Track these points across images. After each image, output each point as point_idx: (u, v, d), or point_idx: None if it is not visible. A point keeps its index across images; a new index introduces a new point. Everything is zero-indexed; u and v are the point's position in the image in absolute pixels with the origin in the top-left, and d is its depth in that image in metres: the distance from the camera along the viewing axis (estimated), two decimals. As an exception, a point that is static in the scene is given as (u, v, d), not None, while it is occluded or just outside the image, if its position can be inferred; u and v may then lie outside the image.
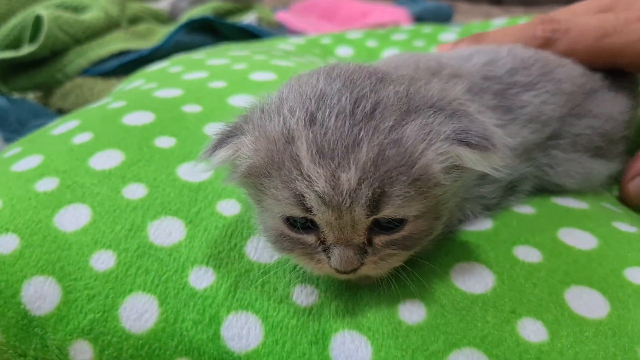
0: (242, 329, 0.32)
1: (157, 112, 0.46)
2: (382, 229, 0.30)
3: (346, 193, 0.28)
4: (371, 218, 0.29)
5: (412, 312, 0.32)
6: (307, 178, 0.28)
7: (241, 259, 0.35)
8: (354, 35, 0.83)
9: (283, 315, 0.32)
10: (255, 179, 0.31)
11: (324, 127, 0.29)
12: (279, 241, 0.32)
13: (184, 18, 1.03)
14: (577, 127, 0.44)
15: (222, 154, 0.31)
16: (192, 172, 0.40)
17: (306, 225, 0.30)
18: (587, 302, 0.32)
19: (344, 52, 0.78)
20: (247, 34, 0.96)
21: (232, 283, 0.34)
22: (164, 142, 0.42)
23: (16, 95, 0.85)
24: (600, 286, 0.33)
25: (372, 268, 0.31)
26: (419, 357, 0.30)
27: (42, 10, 0.84)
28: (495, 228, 0.38)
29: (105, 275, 0.34)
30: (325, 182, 0.28)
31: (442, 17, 1.24)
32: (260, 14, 1.10)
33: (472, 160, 0.30)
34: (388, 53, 0.77)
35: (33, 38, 0.85)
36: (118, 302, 0.33)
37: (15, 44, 0.87)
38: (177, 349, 0.32)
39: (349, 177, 0.28)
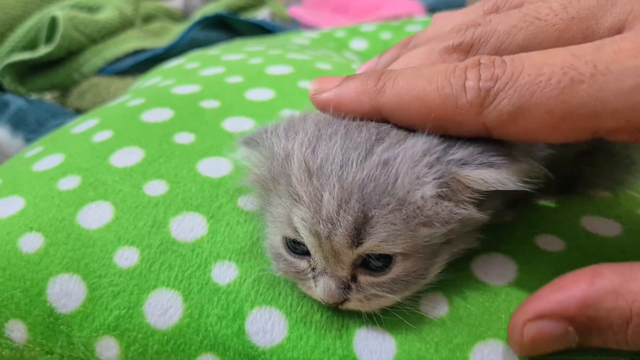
0: (266, 324, 0.32)
1: (175, 108, 0.46)
2: (368, 268, 0.30)
3: (327, 218, 0.27)
4: (356, 251, 0.28)
5: (434, 306, 0.32)
6: (294, 197, 0.28)
7: (264, 253, 0.35)
8: (368, 27, 0.82)
9: (307, 310, 0.32)
10: (262, 191, 0.32)
11: (319, 147, 0.29)
12: (277, 260, 0.32)
13: (198, 15, 1.03)
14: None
15: (244, 151, 0.33)
16: (212, 167, 0.40)
17: (301, 250, 0.31)
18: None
19: (359, 45, 0.78)
20: (261, 30, 0.96)
21: (256, 278, 0.34)
22: (184, 138, 0.42)
23: (34, 96, 0.86)
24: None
25: (359, 305, 0.31)
26: (443, 350, 0.30)
27: (58, 11, 0.85)
28: (515, 218, 0.37)
29: (130, 272, 0.34)
30: (309, 202, 0.28)
31: (454, 8, 1.23)
32: (274, 9, 1.10)
33: (499, 180, 0.28)
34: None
35: (49, 39, 0.86)
36: (143, 298, 0.33)
37: (31, 45, 0.88)
38: (202, 344, 0.32)
39: (329, 199, 0.27)
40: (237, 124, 0.44)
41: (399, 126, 0.30)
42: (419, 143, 0.29)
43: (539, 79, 0.26)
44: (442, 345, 0.30)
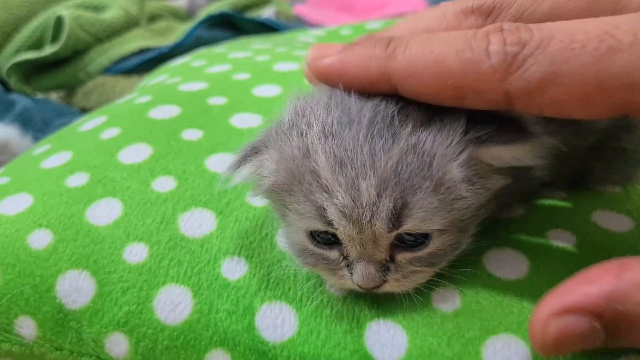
0: (276, 319, 0.32)
1: (183, 105, 0.46)
2: (405, 245, 0.30)
3: (366, 205, 0.27)
4: (394, 233, 0.28)
5: (446, 300, 0.32)
6: (327, 189, 0.28)
7: (273, 249, 0.35)
8: (373, 25, 0.82)
9: (317, 304, 0.32)
10: (278, 196, 0.31)
11: (341, 137, 0.28)
12: (303, 256, 0.32)
13: (202, 14, 1.03)
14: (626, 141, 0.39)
15: (246, 169, 0.31)
16: (220, 163, 0.40)
17: (329, 240, 0.30)
18: (626, 285, 0.32)
19: (365, 42, 0.77)
20: (266, 28, 0.96)
21: (265, 273, 0.34)
22: (191, 134, 0.42)
23: (40, 96, 0.86)
24: (639, 269, 0.33)
25: (395, 286, 0.30)
26: (455, 344, 0.30)
27: (63, 11, 0.85)
28: (526, 213, 0.37)
29: (139, 268, 0.34)
30: (345, 193, 0.27)
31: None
32: (278, 7, 1.10)
33: (517, 155, 0.28)
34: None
35: (55, 38, 0.86)
36: (152, 294, 0.33)
37: (37, 44, 0.88)
38: (212, 340, 0.32)
39: (368, 186, 0.27)
40: (245, 120, 0.44)
41: (413, 105, 0.29)
42: (444, 125, 0.29)
43: (573, 46, 0.24)
44: (454, 339, 0.30)
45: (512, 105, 0.26)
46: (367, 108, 0.29)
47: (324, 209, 0.28)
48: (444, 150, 0.28)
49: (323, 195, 0.28)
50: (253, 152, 0.32)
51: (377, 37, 0.29)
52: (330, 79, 0.30)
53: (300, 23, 1.09)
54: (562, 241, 0.35)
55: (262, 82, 0.49)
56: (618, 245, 0.34)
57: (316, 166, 0.28)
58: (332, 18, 1.11)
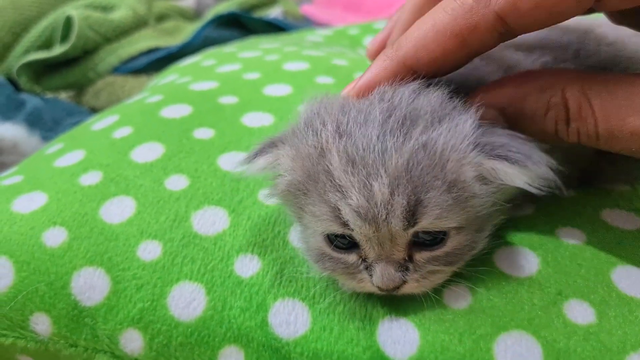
0: (289, 316, 0.32)
1: (194, 104, 0.46)
2: (423, 244, 0.30)
3: (380, 204, 0.27)
4: (410, 231, 0.29)
5: (457, 297, 0.32)
6: (340, 189, 0.28)
7: (285, 246, 0.35)
8: (381, 24, 0.82)
9: (330, 301, 0.33)
10: (294, 197, 0.31)
11: (354, 136, 0.29)
12: (321, 260, 0.32)
13: (210, 14, 1.04)
14: None
15: (262, 161, 0.32)
16: (232, 162, 0.40)
17: (347, 244, 0.30)
18: (635, 282, 0.32)
19: (372, 42, 0.78)
20: (274, 28, 0.96)
21: (278, 270, 0.34)
22: (203, 133, 0.43)
23: (49, 95, 0.86)
24: (649, 265, 0.33)
25: (414, 286, 0.31)
26: (467, 341, 0.30)
27: (72, 11, 0.86)
28: (536, 210, 0.37)
29: (153, 265, 0.34)
30: (359, 193, 0.28)
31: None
32: (286, 7, 1.10)
33: (510, 175, 0.29)
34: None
35: (64, 38, 0.87)
36: (166, 291, 0.34)
37: (47, 44, 0.89)
38: (225, 336, 0.33)
39: (380, 186, 0.27)
40: (256, 119, 0.44)
41: (426, 106, 0.30)
42: (456, 125, 0.29)
43: None
44: (465, 336, 0.30)
45: (510, 27, 0.29)
46: (381, 108, 0.29)
47: (339, 209, 0.28)
48: (456, 151, 0.28)
49: (337, 195, 0.28)
50: (271, 145, 0.32)
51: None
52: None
53: (307, 23, 1.09)
54: (571, 239, 0.35)
55: (272, 82, 0.50)
56: (627, 243, 0.35)
57: (330, 165, 0.28)
58: (339, 18, 1.11)
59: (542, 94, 0.31)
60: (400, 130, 0.28)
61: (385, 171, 0.27)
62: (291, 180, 0.30)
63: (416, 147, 0.28)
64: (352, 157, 0.28)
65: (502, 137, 0.29)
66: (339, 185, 0.28)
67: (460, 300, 0.32)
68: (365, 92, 0.32)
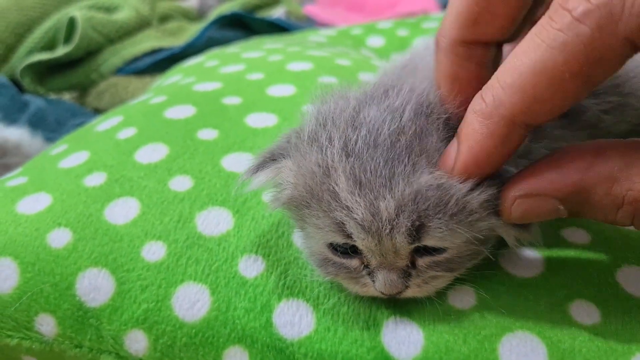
0: (293, 316, 0.32)
1: (198, 105, 0.46)
2: (425, 250, 0.30)
3: (386, 219, 0.27)
4: (414, 245, 0.29)
5: (462, 298, 0.32)
6: (346, 208, 0.28)
7: (289, 247, 0.35)
8: (384, 25, 0.82)
9: (334, 302, 0.33)
10: (297, 208, 0.31)
11: (361, 159, 0.28)
12: (324, 265, 0.32)
13: (213, 15, 1.04)
14: None
15: (263, 176, 0.32)
16: (236, 163, 0.40)
17: (350, 250, 0.30)
18: (641, 282, 0.32)
19: (375, 42, 0.77)
20: (277, 28, 0.96)
21: (282, 271, 0.34)
22: (207, 134, 0.43)
23: (53, 96, 0.86)
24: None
25: (417, 291, 0.31)
26: (472, 342, 0.30)
27: (76, 12, 0.86)
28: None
29: (157, 266, 0.35)
30: (365, 209, 0.27)
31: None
32: (289, 7, 1.10)
33: (506, 232, 0.30)
34: (419, 41, 0.77)
35: (67, 39, 0.87)
36: (170, 291, 0.34)
37: (50, 45, 0.89)
38: (230, 337, 0.33)
39: (387, 207, 0.27)
40: (260, 120, 0.44)
41: (436, 131, 0.29)
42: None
43: None
44: (470, 336, 0.30)
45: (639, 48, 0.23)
46: (391, 128, 0.29)
47: (343, 223, 0.28)
48: (463, 189, 0.28)
49: (342, 212, 0.28)
50: (271, 159, 0.32)
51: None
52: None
53: (310, 23, 1.09)
54: (576, 239, 0.35)
55: (276, 82, 0.50)
56: (632, 243, 0.34)
57: (336, 186, 0.28)
58: (343, 18, 1.11)
59: (612, 185, 0.25)
60: (408, 157, 0.28)
61: (393, 197, 0.27)
62: (293, 195, 0.30)
63: (429, 183, 0.28)
64: (359, 179, 0.28)
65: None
66: (345, 205, 0.28)
67: (465, 300, 0.32)
68: (474, 170, 0.27)
